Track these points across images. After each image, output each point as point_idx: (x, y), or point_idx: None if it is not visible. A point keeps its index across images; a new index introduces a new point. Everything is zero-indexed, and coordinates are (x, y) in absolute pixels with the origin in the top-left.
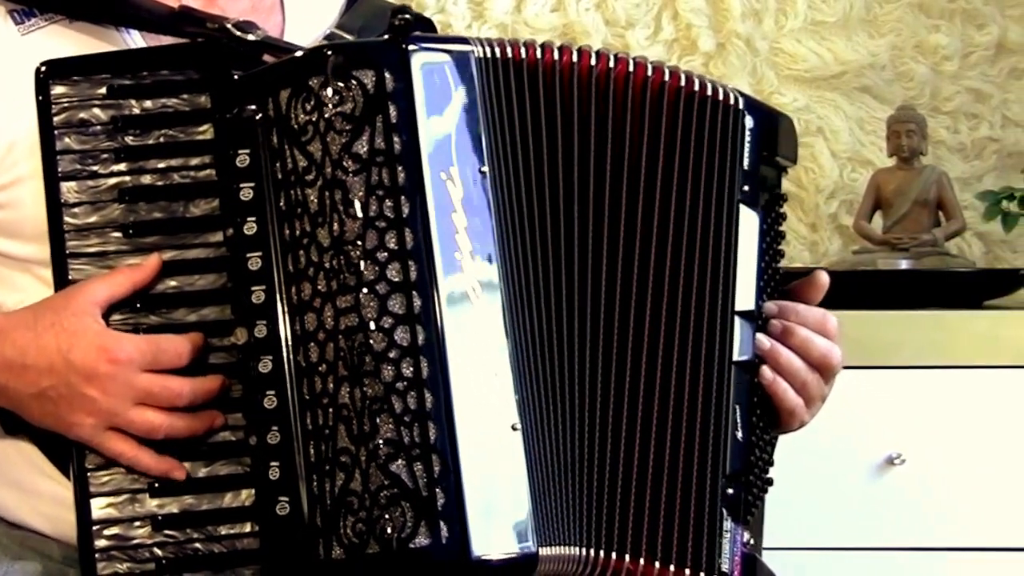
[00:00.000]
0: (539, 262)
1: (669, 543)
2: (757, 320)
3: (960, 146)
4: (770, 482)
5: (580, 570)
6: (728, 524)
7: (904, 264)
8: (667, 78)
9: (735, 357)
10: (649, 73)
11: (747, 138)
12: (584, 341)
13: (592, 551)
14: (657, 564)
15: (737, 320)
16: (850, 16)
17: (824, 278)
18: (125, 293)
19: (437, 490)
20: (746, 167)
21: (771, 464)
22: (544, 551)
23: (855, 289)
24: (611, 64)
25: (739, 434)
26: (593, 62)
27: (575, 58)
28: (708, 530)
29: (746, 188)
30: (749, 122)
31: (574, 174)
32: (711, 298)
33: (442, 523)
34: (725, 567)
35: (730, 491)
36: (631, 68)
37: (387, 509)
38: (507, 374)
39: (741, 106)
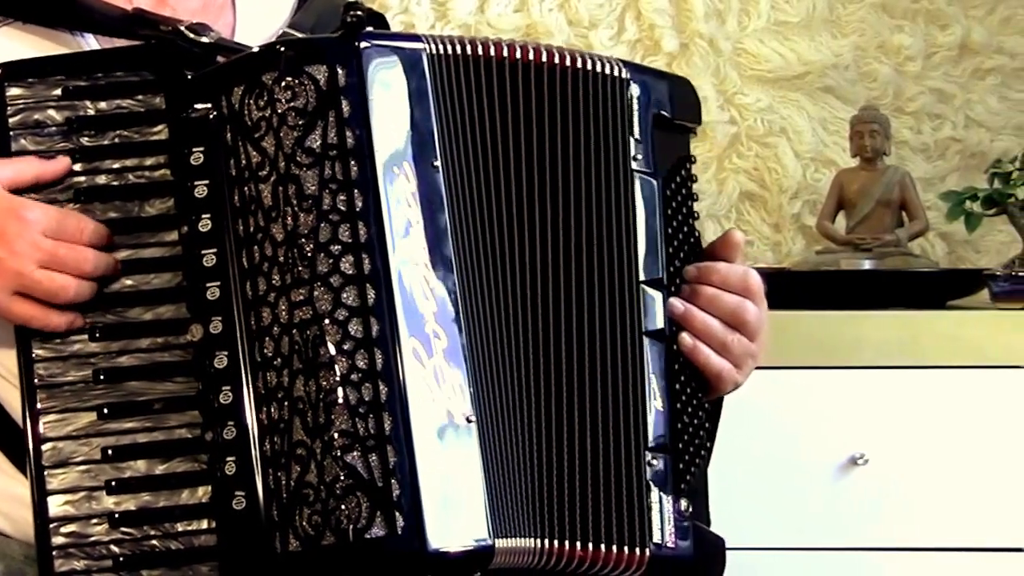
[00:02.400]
0: (489, 252)
1: (608, 523)
2: (666, 288)
3: (923, 146)
4: (707, 448)
5: (536, 561)
6: (655, 496)
7: (867, 264)
8: (555, 60)
9: (646, 327)
10: (539, 58)
11: (634, 106)
12: (528, 329)
13: (546, 541)
14: (603, 547)
15: (644, 289)
16: (813, 16)
17: (737, 236)
18: (28, 181)
19: (392, 481)
20: (636, 135)
21: (708, 429)
22: (500, 543)
23: (818, 289)
24: (518, 55)
25: (659, 404)
26: (514, 54)
27: (505, 52)
28: (637, 505)
29: (639, 156)
30: (635, 90)
31: (511, 165)
32: (617, 270)
33: (397, 514)
34: (656, 539)
35: (655, 463)
36: (530, 56)
37: (343, 500)
38: (460, 366)
39: (624, 76)
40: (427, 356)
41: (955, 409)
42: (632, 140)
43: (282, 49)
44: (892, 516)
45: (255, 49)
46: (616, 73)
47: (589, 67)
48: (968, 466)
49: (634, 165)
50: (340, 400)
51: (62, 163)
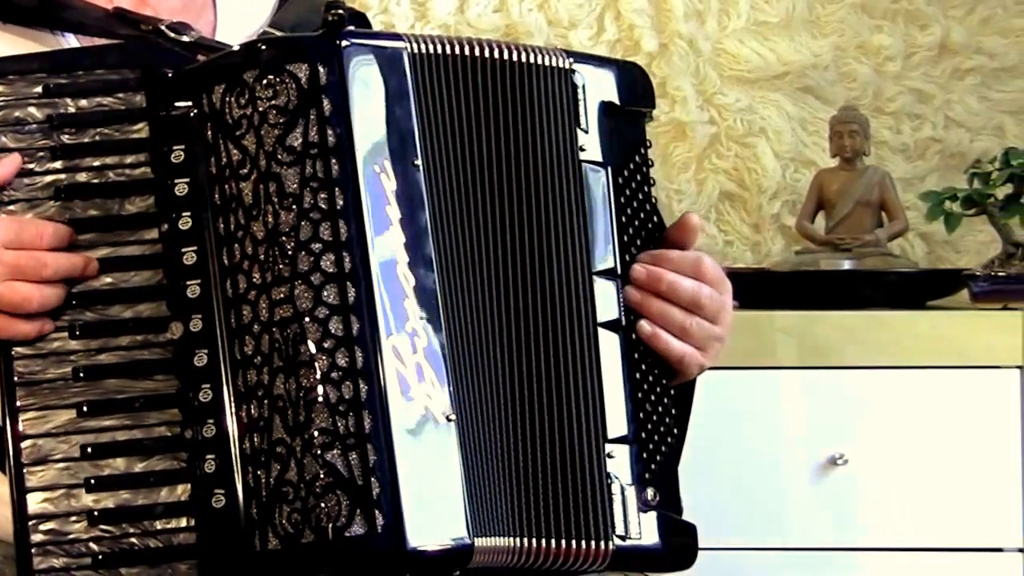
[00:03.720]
0: (464, 251)
1: (574, 518)
2: (620, 277)
3: (903, 147)
4: (674, 435)
5: (514, 560)
6: (616, 488)
7: (847, 264)
8: (508, 56)
9: (601, 318)
10: (492, 55)
11: (579, 96)
12: (499, 326)
13: (523, 540)
14: (572, 543)
15: (597, 280)
16: (793, 17)
17: (694, 219)
18: None
19: (372, 479)
20: (583, 125)
21: (677, 415)
22: (480, 542)
23: (798, 289)
24: (477, 52)
25: (618, 395)
26: (479, 52)
27: (476, 51)
28: (600, 499)
29: (586, 147)
30: (579, 79)
31: (481, 162)
32: (571, 263)
33: (377, 512)
34: (620, 531)
35: (615, 455)
36: (487, 54)
37: (322, 498)
38: (441, 364)
39: (567, 66)
40: (408, 354)
41: (935, 409)
42: (579, 131)
43: (263, 48)
44: (872, 516)
45: (236, 48)
46: (559, 64)
47: (535, 60)
48: (948, 466)
49: (582, 156)
50: (320, 398)
51: (14, 159)
